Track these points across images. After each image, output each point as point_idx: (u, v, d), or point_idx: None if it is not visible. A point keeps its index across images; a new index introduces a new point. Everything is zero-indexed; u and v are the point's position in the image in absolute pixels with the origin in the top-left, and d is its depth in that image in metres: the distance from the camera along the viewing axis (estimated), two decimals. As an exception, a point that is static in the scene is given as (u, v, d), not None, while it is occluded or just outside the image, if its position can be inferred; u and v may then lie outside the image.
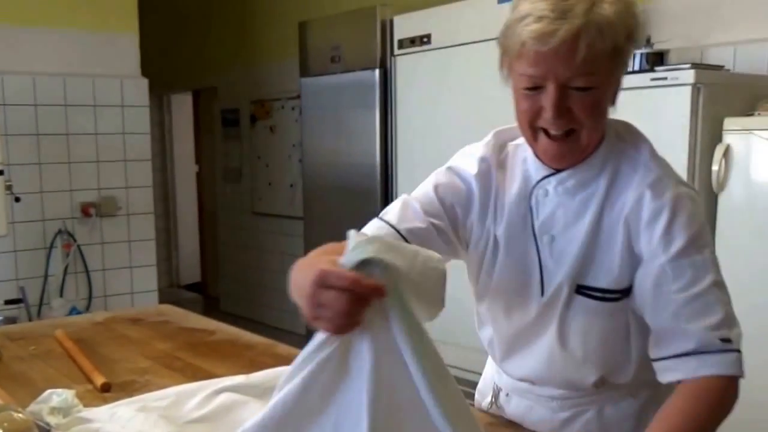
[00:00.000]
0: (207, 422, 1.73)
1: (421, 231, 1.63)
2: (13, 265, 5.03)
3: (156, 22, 7.15)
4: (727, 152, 3.46)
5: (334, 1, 6.47)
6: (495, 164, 1.69)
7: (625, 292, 1.58)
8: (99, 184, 5.35)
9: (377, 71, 5.07)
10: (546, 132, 1.51)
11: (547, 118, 1.48)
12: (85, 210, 5.26)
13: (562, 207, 1.60)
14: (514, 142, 1.71)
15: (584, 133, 1.50)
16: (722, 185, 3.48)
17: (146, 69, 5.59)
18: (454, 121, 4.62)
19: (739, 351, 1.47)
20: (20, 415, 1.36)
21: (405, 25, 4.91)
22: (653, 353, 1.54)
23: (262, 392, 1.84)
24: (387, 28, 5.02)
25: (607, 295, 1.58)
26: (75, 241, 5.25)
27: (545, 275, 1.62)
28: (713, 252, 1.54)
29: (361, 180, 5.26)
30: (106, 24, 5.36)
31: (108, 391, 1.98)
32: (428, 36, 4.73)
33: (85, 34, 5.26)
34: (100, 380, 2.02)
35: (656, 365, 1.53)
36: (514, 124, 1.64)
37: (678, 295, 1.48)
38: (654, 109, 3.56)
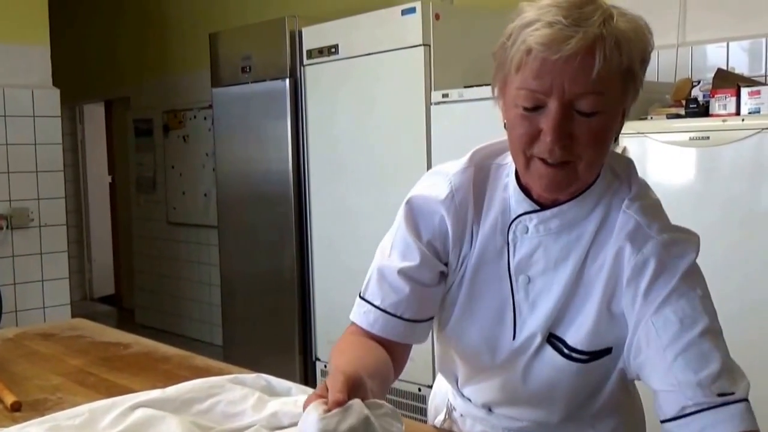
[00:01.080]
0: None
1: (408, 300, 1.48)
2: None
3: (68, 33, 7.08)
4: (623, 153, 3.54)
5: (244, 13, 6.49)
6: (470, 188, 1.49)
7: (596, 355, 1.43)
8: (10, 196, 5.25)
9: (287, 81, 5.08)
10: (542, 160, 1.32)
11: (545, 143, 1.28)
12: (-5, 222, 5.18)
13: (543, 248, 1.44)
14: (496, 161, 1.53)
15: (582, 165, 1.32)
16: (620, 187, 3.56)
17: (58, 79, 5.51)
18: (363, 127, 4.68)
19: (745, 400, 1.28)
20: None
21: (313, 36, 4.93)
22: (659, 415, 1.35)
23: (178, 406, 1.78)
24: (296, 39, 5.04)
25: (574, 355, 1.43)
26: (-16, 253, 5.15)
27: (518, 319, 1.47)
28: (706, 297, 1.37)
29: (274, 187, 5.26)
30: (16, 34, 5.27)
31: (18, 411, 1.92)
32: (336, 46, 4.76)
33: (-7, 44, 5.19)
34: (9, 399, 1.95)
35: (663, 428, 1.34)
36: (490, 141, 1.54)
37: (667, 350, 1.31)
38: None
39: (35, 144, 5.35)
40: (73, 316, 4.80)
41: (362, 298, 1.53)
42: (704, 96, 3.54)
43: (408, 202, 1.54)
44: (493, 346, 1.51)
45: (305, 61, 4.99)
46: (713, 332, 1.32)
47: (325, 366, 4.93)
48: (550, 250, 1.44)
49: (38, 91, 5.37)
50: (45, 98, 5.40)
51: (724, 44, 3.99)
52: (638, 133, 3.51)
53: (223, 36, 5.66)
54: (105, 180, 9.57)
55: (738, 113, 3.34)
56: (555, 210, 1.41)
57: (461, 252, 1.50)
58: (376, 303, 1.49)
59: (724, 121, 3.32)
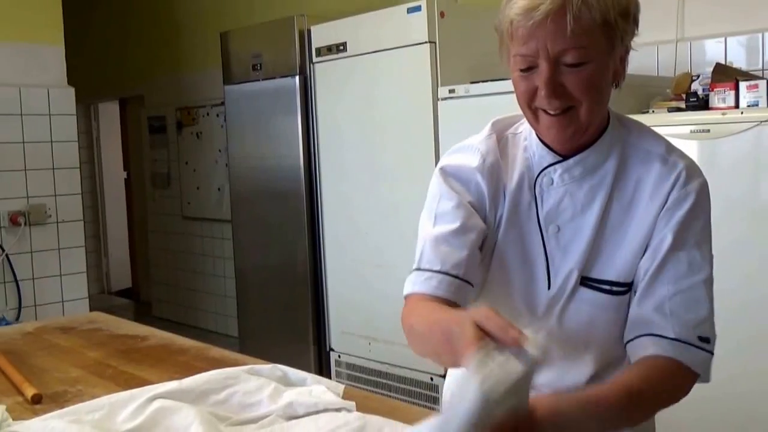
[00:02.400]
0: None
1: (466, 260, 1.50)
2: (-59, 275, 4.94)
3: (82, 32, 7.07)
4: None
5: (254, 12, 6.48)
6: (497, 152, 1.58)
7: (631, 285, 1.51)
8: (27, 193, 5.25)
9: (297, 78, 5.08)
10: (545, 111, 1.44)
11: (542, 96, 1.41)
12: (14, 219, 5.16)
13: (569, 196, 1.51)
14: (511, 131, 1.63)
15: (583, 110, 1.41)
16: (623, 180, 3.57)
17: (73, 78, 5.51)
18: (372, 123, 4.68)
19: (712, 354, 1.43)
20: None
21: (322, 34, 4.94)
22: (630, 332, 1.47)
23: (195, 397, 1.79)
24: (305, 37, 5.04)
25: (615, 288, 1.50)
26: (3, 250, 5.15)
27: (551, 267, 1.53)
28: (710, 245, 1.49)
29: (286, 182, 5.26)
30: (32, 35, 5.27)
31: (39, 403, 1.92)
32: (344, 44, 4.77)
33: (11, 45, 5.17)
34: (30, 392, 1.96)
35: (630, 345, 1.47)
36: (510, 113, 1.63)
37: (670, 285, 1.44)
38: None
39: (51, 142, 5.36)
40: (91, 309, 4.80)
41: (419, 269, 1.52)
42: (704, 90, 3.55)
43: (443, 171, 1.60)
44: (531, 298, 1.55)
45: (314, 59, 4.99)
46: (709, 282, 1.45)
47: (339, 356, 4.96)
48: (576, 197, 1.51)
49: (54, 90, 5.37)
50: (60, 97, 5.40)
51: (722, 39, 3.99)
52: (640, 126, 3.52)
53: (234, 35, 5.66)
54: (120, 176, 9.56)
55: (737, 106, 3.35)
56: (577, 158, 1.50)
57: (497, 212, 1.56)
58: (436, 268, 1.49)
59: (723, 114, 3.33)
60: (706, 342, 1.42)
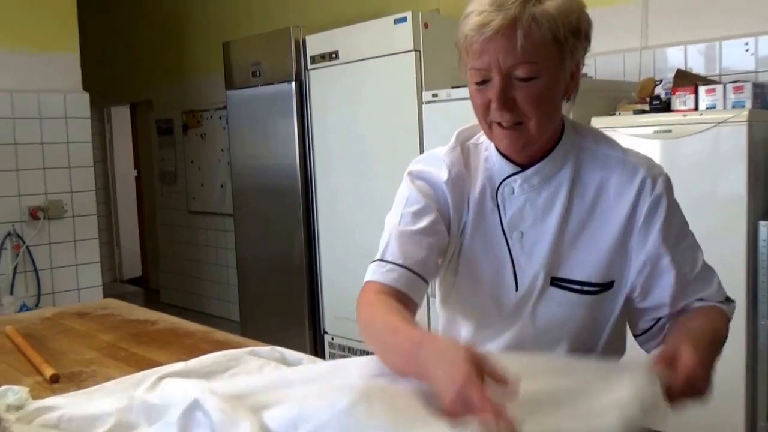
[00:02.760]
0: None
1: (426, 259, 1.47)
2: (-34, 265, 4.92)
3: (96, 42, 7.04)
4: (595, 147, 3.55)
5: (253, 23, 6.47)
6: (462, 166, 1.53)
7: (606, 287, 1.48)
8: (46, 189, 5.24)
9: (293, 83, 5.07)
10: (499, 123, 1.39)
11: (494, 109, 1.37)
12: (34, 213, 5.16)
13: (530, 203, 1.47)
14: (473, 141, 1.57)
15: (532, 124, 1.37)
16: (592, 176, 3.57)
17: (87, 84, 5.49)
18: (362, 124, 4.68)
19: (734, 303, 1.55)
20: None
21: (316, 44, 4.93)
22: (662, 313, 1.50)
23: (201, 377, 1.76)
24: (300, 46, 5.03)
25: (586, 288, 1.46)
26: (24, 242, 5.14)
27: (518, 270, 1.49)
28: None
29: (283, 179, 5.26)
30: (49, 44, 5.26)
31: (57, 382, 1.90)
32: (336, 52, 4.76)
33: (30, 54, 5.16)
34: (49, 372, 1.94)
35: (665, 310, 1.50)
36: (473, 122, 1.56)
37: (690, 276, 1.48)
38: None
39: (68, 143, 5.35)
40: (105, 296, 4.78)
41: (382, 260, 1.47)
42: (666, 94, 3.55)
43: (411, 175, 1.57)
44: (499, 300, 1.51)
45: (309, 66, 4.99)
46: (702, 253, 1.54)
47: (333, 339, 4.95)
48: (536, 203, 1.47)
49: (69, 95, 5.35)
50: (76, 102, 5.38)
51: (683, 47, 3.99)
52: (608, 127, 3.51)
53: (235, 44, 5.64)
54: (131, 174, 9.53)
55: (696, 109, 3.36)
56: (534, 168, 1.46)
57: (461, 220, 1.52)
58: (399, 261, 1.45)
59: (684, 116, 3.33)
60: (730, 299, 1.54)
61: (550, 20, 1.31)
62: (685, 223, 1.52)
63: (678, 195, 3.34)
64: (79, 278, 5.45)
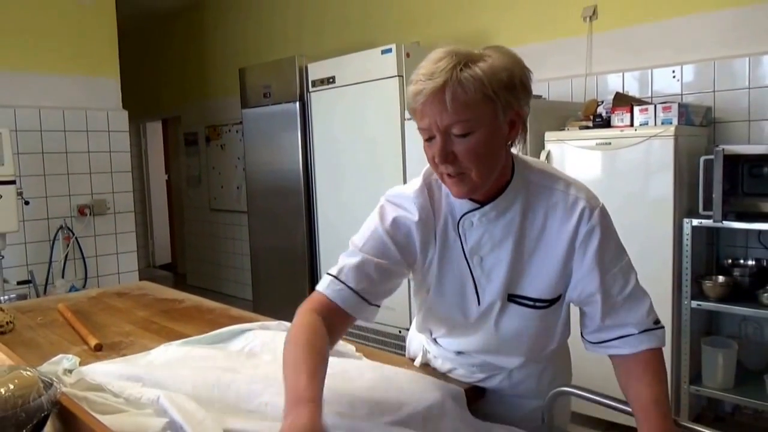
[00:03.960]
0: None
1: (378, 291, 1.42)
2: (24, 253, 4.88)
3: (134, 69, 7.01)
4: (548, 156, 3.54)
5: (264, 53, 6.46)
6: (429, 206, 1.45)
7: (554, 301, 1.45)
8: (92, 190, 5.23)
9: (298, 103, 5.05)
10: (448, 174, 1.33)
11: (438, 163, 1.32)
12: (81, 210, 5.14)
13: (488, 233, 1.42)
14: (434, 177, 1.46)
15: (473, 174, 1.31)
16: (545, 181, 3.56)
17: (126, 103, 5.47)
18: (354, 138, 4.65)
19: (663, 327, 1.43)
20: (28, 373, 1.30)
21: (316, 70, 4.90)
22: (598, 337, 1.44)
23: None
24: (304, 72, 5.01)
25: (537, 304, 1.43)
26: (73, 234, 5.11)
27: (479, 288, 1.45)
28: (626, 251, 1.46)
29: (288, 182, 5.24)
30: (95, 71, 5.24)
31: (100, 350, 1.94)
32: (333, 77, 4.73)
33: (79, 78, 5.15)
34: (93, 342, 1.98)
35: (601, 345, 1.44)
36: None
37: (618, 297, 1.40)
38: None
39: (110, 152, 5.33)
40: (140, 279, 4.76)
41: (337, 278, 1.40)
42: (606, 112, 3.53)
43: (384, 212, 1.47)
44: (465, 311, 1.48)
45: (311, 89, 4.96)
46: (637, 278, 1.44)
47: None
48: (493, 233, 1.42)
49: (111, 113, 5.33)
50: (116, 118, 5.36)
51: (621, 74, 3.99)
52: (558, 140, 3.51)
53: (249, 70, 5.61)
54: (162, 178, 9.52)
55: (632, 125, 3.35)
56: (491, 205, 1.40)
57: (428, 254, 1.45)
58: (351, 285, 1.38)
59: (621, 131, 3.32)
60: (658, 322, 1.42)
61: (476, 81, 1.24)
62: (620, 250, 1.44)
63: (616, 195, 3.35)
64: (119, 264, 5.44)
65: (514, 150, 1.42)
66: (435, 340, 1.66)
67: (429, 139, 1.32)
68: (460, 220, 1.43)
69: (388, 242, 1.42)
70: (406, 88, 1.32)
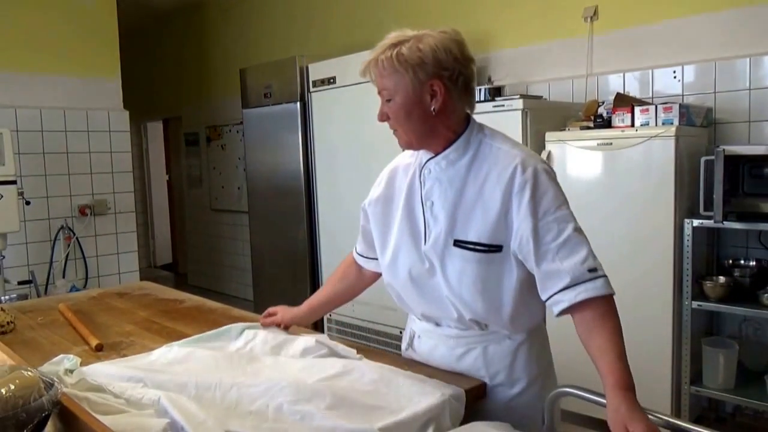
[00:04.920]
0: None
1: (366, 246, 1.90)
2: (25, 253, 4.88)
3: (134, 69, 7.00)
4: (549, 156, 3.54)
5: (265, 53, 6.45)
6: (399, 162, 1.78)
7: (496, 248, 1.54)
8: (93, 190, 5.24)
9: (298, 103, 5.05)
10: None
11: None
12: (82, 210, 5.15)
13: (438, 181, 1.61)
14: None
15: (401, 131, 1.60)
16: (546, 181, 3.56)
17: (127, 103, 5.48)
18: (354, 138, 4.65)
19: (604, 276, 1.46)
20: (29, 373, 1.29)
21: (317, 70, 4.90)
22: (544, 295, 1.50)
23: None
24: (304, 72, 5.01)
25: (478, 247, 1.54)
26: (74, 234, 5.12)
27: (427, 230, 1.62)
28: (569, 207, 1.53)
29: (290, 183, 5.24)
30: (96, 71, 5.26)
31: (101, 351, 1.93)
32: (334, 78, 4.73)
33: (81, 79, 5.16)
34: (94, 342, 1.98)
35: (548, 303, 1.50)
36: None
37: (552, 244, 1.47)
38: (496, 127, 3.59)
39: (111, 152, 5.34)
40: (141, 279, 4.77)
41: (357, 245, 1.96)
42: (607, 113, 3.53)
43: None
44: (418, 252, 1.65)
45: (311, 89, 4.96)
46: (578, 230, 1.50)
47: (330, 316, 4.92)
48: (443, 181, 1.62)
49: (113, 113, 5.33)
50: (117, 118, 5.37)
51: (622, 74, 3.98)
52: (559, 140, 3.51)
53: (250, 70, 5.61)
54: (163, 178, 9.51)
55: (633, 125, 3.34)
56: (441, 155, 1.63)
57: (393, 206, 1.73)
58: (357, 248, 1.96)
59: (622, 131, 3.32)
60: (594, 271, 1.46)
61: (388, 60, 1.53)
62: (558, 203, 1.52)
63: (615, 195, 3.35)
64: (120, 264, 5.44)
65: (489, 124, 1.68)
66: (415, 314, 1.81)
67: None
68: (422, 168, 1.66)
69: (365, 202, 1.84)
70: None
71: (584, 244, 1.48)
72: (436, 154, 1.62)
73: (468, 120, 1.65)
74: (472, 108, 1.65)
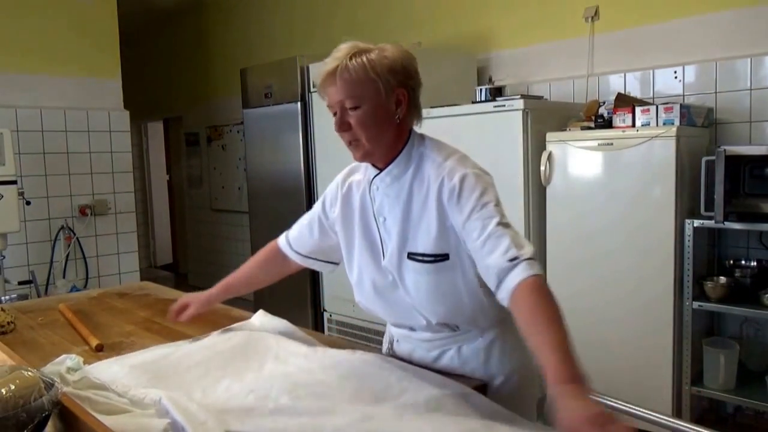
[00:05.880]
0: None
1: (306, 239, 2.00)
2: (25, 253, 4.89)
3: (135, 69, 7.01)
4: (550, 157, 3.53)
5: (265, 54, 6.45)
6: (345, 178, 1.82)
7: (442, 257, 1.58)
8: (93, 191, 5.25)
9: (299, 104, 5.03)
10: (348, 142, 1.60)
11: (338, 133, 1.59)
12: (82, 210, 5.15)
13: (386, 196, 1.65)
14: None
15: (363, 140, 1.57)
16: (548, 180, 3.56)
17: (127, 103, 5.49)
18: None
19: (526, 259, 1.39)
20: (29, 373, 1.29)
21: (318, 70, 4.88)
22: (493, 291, 1.47)
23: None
24: (305, 73, 4.99)
25: (426, 258, 1.58)
26: (74, 234, 5.12)
27: (383, 245, 1.66)
28: (497, 205, 1.50)
29: (290, 182, 5.23)
30: (96, 71, 5.27)
31: (101, 351, 1.93)
32: (335, 78, 4.73)
33: (81, 79, 5.18)
34: (94, 342, 1.97)
35: (498, 299, 1.45)
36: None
37: (477, 241, 1.47)
38: (497, 127, 3.62)
39: (111, 152, 5.35)
40: (141, 279, 4.76)
41: (288, 231, 2.10)
42: (608, 113, 3.53)
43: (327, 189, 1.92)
44: (378, 267, 1.67)
45: (312, 89, 4.94)
46: (502, 223, 1.47)
47: (331, 316, 4.92)
48: (390, 196, 1.64)
49: (113, 113, 5.34)
50: (118, 118, 5.38)
51: (623, 75, 3.98)
52: (560, 140, 3.51)
53: (251, 70, 5.61)
54: (164, 178, 9.51)
55: (633, 126, 3.34)
56: (385, 170, 1.65)
57: (346, 217, 1.76)
58: (290, 235, 2.10)
59: (623, 131, 3.32)
60: (515, 259, 1.40)
61: (359, 65, 1.52)
62: (484, 201, 1.50)
63: (617, 196, 3.36)
64: (120, 264, 5.44)
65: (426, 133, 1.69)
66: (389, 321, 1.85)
67: (335, 115, 1.58)
68: (370, 185, 1.68)
69: (319, 208, 1.89)
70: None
71: (505, 236, 1.44)
72: (381, 170, 1.65)
73: (410, 133, 1.67)
74: (420, 123, 1.68)
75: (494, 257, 1.43)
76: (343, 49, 1.56)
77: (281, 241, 2.10)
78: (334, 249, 1.88)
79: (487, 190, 1.54)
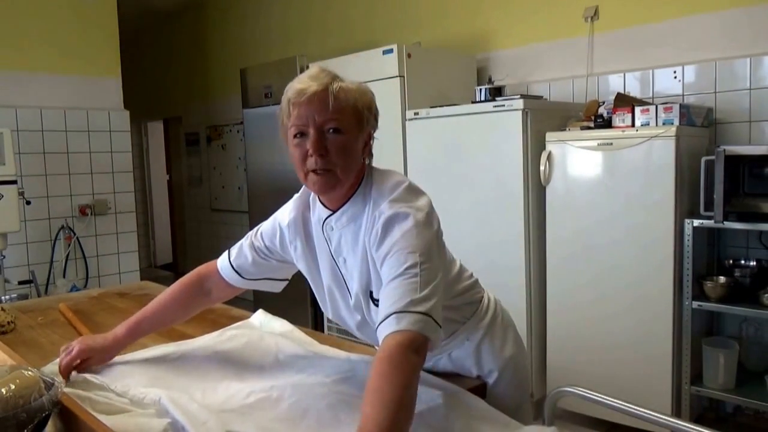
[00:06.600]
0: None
1: (250, 266, 1.83)
2: (25, 253, 4.88)
3: (135, 69, 7.02)
4: (549, 157, 3.53)
5: (265, 53, 6.46)
6: (301, 214, 1.62)
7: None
8: (93, 190, 5.23)
9: (299, 103, 5.04)
10: (314, 171, 1.42)
11: (310, 158, 1.42)
12: (83, 210, 5.14)
13: (344, 237, 1.52)
14: (311, 197, 1.62)
15: (339, 170, 1.43)
16: (548, 180, 3.56)
17: (128, 103, 5.47)
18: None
19: (424, 314, 1.26)
20: (29, 373, 1.29)
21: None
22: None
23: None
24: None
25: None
26: (74, 234, 5.11)
27: (347, 285, 1.55)
28: (414, 250, 1.34)
29: (290, 182, 5.19)
30: (96, 71, 5.26)
31: None
32: (335, 77, 4.73)
33: (81, 78, 5.16)
34: None
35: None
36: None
37: (386, 282, 1.34)
38: (496, 127, 3.62)
39: (111, 152, 5.34)
40: (142, 279, 4.76)
41: (229, 252, 1.91)
42: (608, 113, 3.53)
43: (276, 214, 1.79)
44: (347, 306, 1.58)
45: (312, 89, 4.95)
46: (415, 268, 1.30)
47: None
48: (347, 237, 1.52)
49: (113, 113, 5.33)
50: (118, 118, 5.37)
51: (622, 74, 3.98)
52: (559, 140, 3.51)
53: (251, 70, 5.61)
54: (164, 178, 9.50)
55: (633, 125, 3.34)
56: (340, 210, 1.52)
57: (301, 252, 1.64)
58: (232, 259, 1.89)
59: (623, 131, 3.32)
60: (401, 312, 1.26)
61: (352, 92, 1.43)
62: (401, 245, 1.35)
63: (616, 196, 3.35)
64: (120, 264, 5.44)
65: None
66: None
67: (301, 135, 1.44)
68: (323, 225, 1.56)
69: (267, 238, 1.75)
70: (286, 91, 1.46)
71: (407, 277, 1.32)
72: (334, 211, 1.53)
73: (363, 175, 1.54)
74: (370, 163, 1.56)
75: (393, 301, 1.29)
76: (321, 71, 1.45)
77: (225, 264, 1.88)
78: (283, 267, 1.78)
79: (405, 233, 1.39)
